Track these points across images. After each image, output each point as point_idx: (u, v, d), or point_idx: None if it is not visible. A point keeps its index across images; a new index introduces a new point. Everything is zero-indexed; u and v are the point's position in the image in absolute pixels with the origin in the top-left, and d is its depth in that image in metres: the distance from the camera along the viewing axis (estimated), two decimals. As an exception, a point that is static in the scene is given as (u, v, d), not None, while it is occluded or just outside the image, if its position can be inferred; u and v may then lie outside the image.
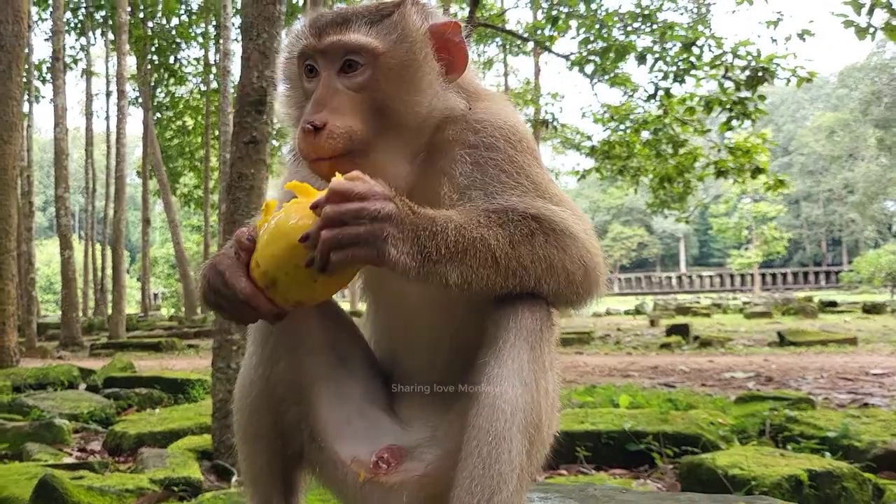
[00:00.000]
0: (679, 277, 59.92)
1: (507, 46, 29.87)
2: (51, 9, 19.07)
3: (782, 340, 13.10)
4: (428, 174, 1.48)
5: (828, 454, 3.86)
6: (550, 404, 1.40)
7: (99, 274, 30.05)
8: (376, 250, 1.24)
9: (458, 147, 1.45)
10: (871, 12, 8.29)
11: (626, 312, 28.30)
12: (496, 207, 1.37)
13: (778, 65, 11.18)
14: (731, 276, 56.95)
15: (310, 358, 1.60)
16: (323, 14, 1.49)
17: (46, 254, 51.44)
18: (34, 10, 23.64)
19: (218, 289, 1.37)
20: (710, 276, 58.58)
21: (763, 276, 55.47)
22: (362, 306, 1.84)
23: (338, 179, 1.27)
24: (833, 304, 24.66)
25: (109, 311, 22.15)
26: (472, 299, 1.42)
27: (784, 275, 57.16)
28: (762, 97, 11.76)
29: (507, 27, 20.28)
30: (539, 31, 15.94)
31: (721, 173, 13.25)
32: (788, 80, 11.17)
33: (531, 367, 1.34)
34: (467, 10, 14.40)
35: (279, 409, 1.60)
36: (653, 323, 20.30)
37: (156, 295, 41.41)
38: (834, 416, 4.60)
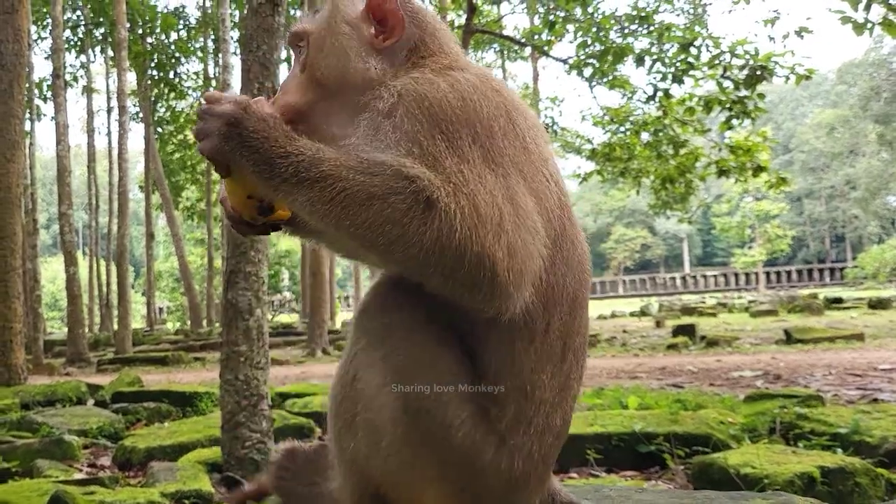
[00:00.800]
0: (683, 278, 59.81)
1: (505, 52, 29.95)
2: (50, 27, 19.19)
3: (789, 338, 13.07)
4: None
5: (839, 450, 3.85)
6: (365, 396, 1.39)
7: (104, 289, 30.09)
8: (211, 144, 1.38)
9: (365, 112, 1.45)
10: (868, 8, 8.29)
11: (632, 314, 28.27)
12: (373, 158, 1.31)
13: (776, 63, 11.19)
14: (736, 275, 56.84)
15: None
16: None
17: (51, 271, 51.52)
18: (34, 28, 23.78)
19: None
20: (715, 276, 58.46)
21: (767, 274, 55.35)
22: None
23: (211, 91, 1.48)
24: (839, 300, 24.56)
25: (115, 327, 22.17)
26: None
27: (788, 273, 57.03)
28: (761, 95, 11.77)
29: (505, 33, 20.35)
30: (536, 36, 15.99)
31: (723, 172, 13.26)
32: (787, 78, 11.18)
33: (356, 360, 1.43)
34: (464, 16, 14.45)
35: None
36: (658, 324, 20.27)
37: (161, 309, 41.41)
38: (844, 413, 4.58)
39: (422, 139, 1.32)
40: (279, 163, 1.31)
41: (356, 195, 1.26)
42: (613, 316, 28.37)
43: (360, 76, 1.52)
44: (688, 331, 15.03)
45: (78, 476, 4.63)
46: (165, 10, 26.72)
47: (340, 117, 1.53)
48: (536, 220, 1.34)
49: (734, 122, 12.05)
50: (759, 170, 12.89)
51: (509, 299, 1.29)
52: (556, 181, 1.45)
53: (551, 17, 14.20)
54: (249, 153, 1.34)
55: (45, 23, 24.00)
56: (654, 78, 12.70)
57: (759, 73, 11.27)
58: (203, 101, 1.44)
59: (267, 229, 1.57)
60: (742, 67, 11.54)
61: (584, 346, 1.47)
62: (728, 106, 11.84)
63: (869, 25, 8.38)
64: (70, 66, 26.77)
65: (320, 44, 1.57)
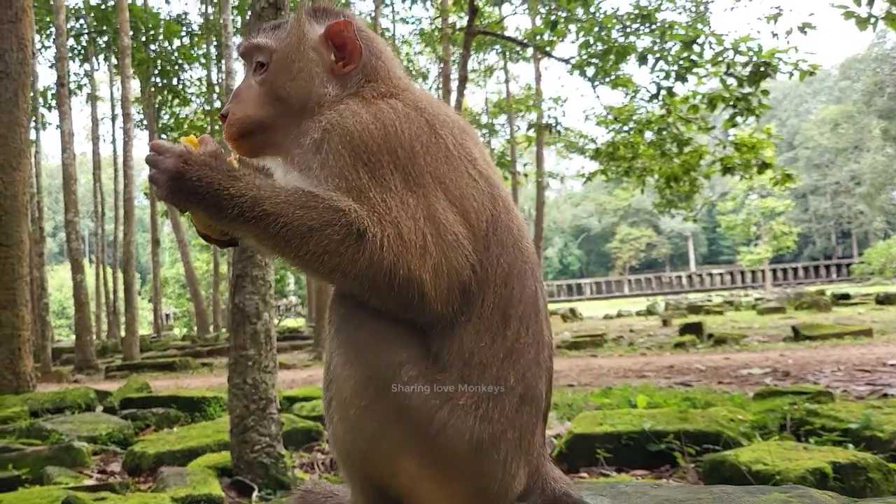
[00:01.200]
0: (689, 276, 59.66)
1: (508, 53, 29.93)
2: (54, 36, 19.27)
3: (797, 335, 13.03)
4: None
5: (851, 446, 3.83)
6: (352, 385, 1.47)
7: (111, 296, 30.15)
8: (163, 193, 1.48)
9: (301, 139, 1.56)
10: (871, 2, 8.26)
11: (638, 313, 28.19)
12: (309, 191, 1.44)
13: (780, 59, 11.13)
14: (742, 273, 56.66)
15: None
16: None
17: (58, 279, 51.69)
18: (37, 37, 23.85)
19: None
20: (721, 274, 58.31)
21: (774, 271, 55.15)
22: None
23: (157, 141, 1.54)
24: (846, 296, 24.48)
25: (123, 333, 22.22)
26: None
27: (795, 269, 56.83)
28: (765, 92, 11.72)
29: (507, 34, 20.35)
30: (538, 37, 15.98)
31: (727, 170, 13.21)
32: (791, 74, 11.12)
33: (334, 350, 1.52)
34: (466, 18, 14.46)
35: None
36: (665, 323, 20.22)
37: (168, 315, 41.51)
38: (854, 408, 4.56)
39: (347, 174, 1.45)
40: (224, 205, 1.43)
41: (297, 229, 1.40)
42: (620, 315, 28.31)
43: (317, 99, 1.62)
44: (695, 329, 14.99)
45: (88, 482, 4.65)
46: (168, 18, 26.77)
47: (296, 136, 1.61)
48: (459, 231, 1.47)
49: (738, 119, 12.00)
50: (763, 167, 12.83)
51: (439, 313, 1.44)
52: (485, 177, 1.57)
53: (553, 18, 14.18)
54: (197, 200, 1.45)
55: (48, 32, 24.08)
56: (657, 76, 12.66)
57: (762, 69, 11.22)
58: (150, 150, 1.52)
59: (235, 241, 1.67)
60: (745, 64, 11.48)
61: (533, 314, 1.55)
62: (732, 103, 11.79)
63: (872, 20, 8.34)
64: (74, 74, 26.84)
65: (286, 64, 1.65)
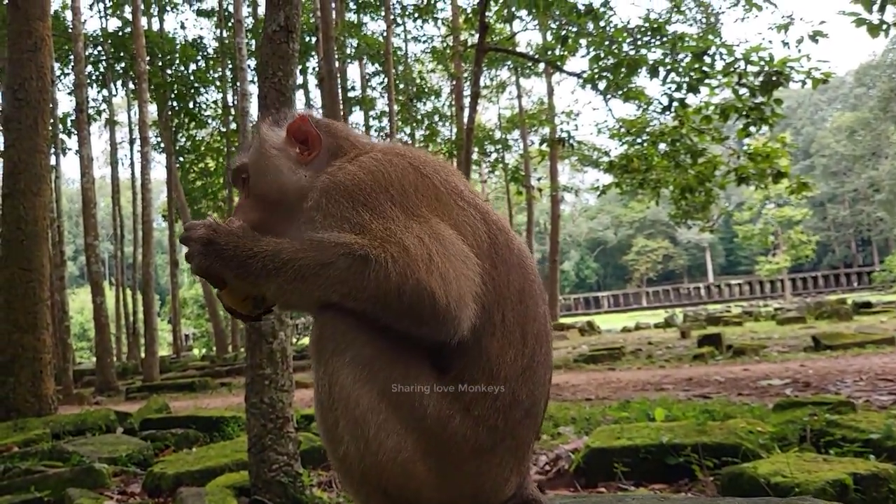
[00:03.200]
0: (707, 287, 59.27)
1: (519, 69, 30.08)
2: (73, 63, 19.63)
3: (818, 345, 12.87)
4: None
5: (872, 457, 3.78)
6: (342, 405, 1.55)
7: (131, 318, 30.42)
8: (197, 262, 1.67)
9: (302, 216, 1.73)
10: (882, 9, 8.22)
11: (656, 325, 27.98)
12: (317, 237, 1.59)
13: (792, 68, 11.11)
14: (761, 283, 56.20)
15: None
16: None
17: (79, 302, 52.25)
18: (56, 65, 24.31)
19: None
20: (739, 285, 57.88)
21: (793, 281, 54.65)
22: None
23: (190, 221, 1.75)
24: (867, 304, 24.13)
25: (143, 355, 22.38)
26: None
27: (815, 278, 56.28)
28: (778, 101, 11.68)
29: (518, 50, 20.47)
30: (549, 52, 16.07)
31: (742, 180, 13.16)
32: (804, 83, 11.09)
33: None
34: (477, 35, 14.56)
35: None
36: (684, 334, 20.04)
37: (187, 336, 41.71)
38: (876, 418, 4.50)
39: (348, 216, 1.59)
40: (250, 262, 1.60)
41: (310, 268, 1.54)
42: (638, 328, 28.11)
43: (294, 185, 1.83)
44: (713, 340, 14.84)
45: None
46: (184, 42, 27.21)
47: (285, 225, 1.81)
48: (463, 247, 1.56)
49: (752, 128, 11.96)
50: (779, 176, 12.76)
51: (455, 321, 1.49)
52: (474, 205, 1.69)
53: (564, 33, 14.24)
54: (226, 261, 1.64)
55: (67, 59, 24.53)
56: (669, 88, 12.66)
57: (774, 78, 11.19)
58: (183, 230, 1.73)
59: (260, 316, 1.86)
60: (757, 74, 11.46)
61: (544, 332, 1.66)
62: (745, 113, 11.77)
63: (884, 27, 8.30)
64: (93, 100, 27.27)
65: (258, 168, 1.89)
